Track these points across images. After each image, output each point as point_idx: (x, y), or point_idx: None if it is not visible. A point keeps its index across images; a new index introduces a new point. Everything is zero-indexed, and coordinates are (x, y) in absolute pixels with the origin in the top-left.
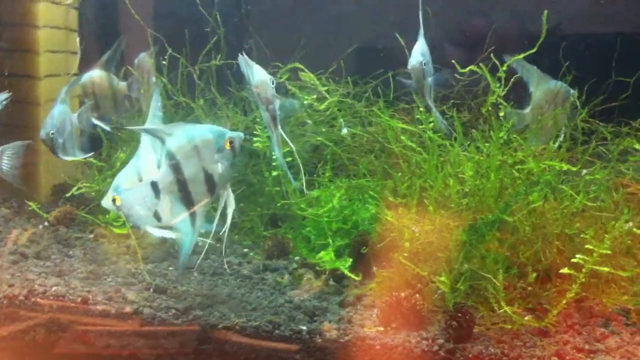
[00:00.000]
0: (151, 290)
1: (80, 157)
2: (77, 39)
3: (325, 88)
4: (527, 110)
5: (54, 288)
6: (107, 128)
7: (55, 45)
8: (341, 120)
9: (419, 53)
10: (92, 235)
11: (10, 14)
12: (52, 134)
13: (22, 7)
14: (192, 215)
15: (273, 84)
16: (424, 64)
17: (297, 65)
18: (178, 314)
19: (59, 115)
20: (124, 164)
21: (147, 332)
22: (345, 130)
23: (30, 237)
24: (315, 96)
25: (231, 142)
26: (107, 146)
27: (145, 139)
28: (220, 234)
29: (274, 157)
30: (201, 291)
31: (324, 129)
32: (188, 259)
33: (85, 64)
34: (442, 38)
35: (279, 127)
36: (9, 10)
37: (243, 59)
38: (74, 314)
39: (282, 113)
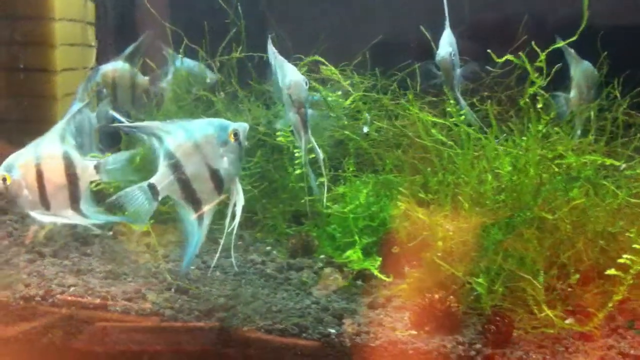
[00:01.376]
0: (172, 290)
1: (99, 154)
2: (94, 32)
3: (347, 82)
4: (572, 94)
5: (72, 288)
6: (123, 119)
7: (72, 38)
8: (367, 115)
9: (447, 44)
10: (110, 233)
11: (27, 6)
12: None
13: (38, 0)
14: (199, 217)
15: (306, 85)
16: (453, 55)
17: (319, 58)
18: (200, 315)
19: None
20: (143, 159)
21: (167, 334)
22: (365, 129)
23: (47, 234)
24: (339, 92)
25: (235, 134)
26: (126, 141)
27: (56, 128)
28: (228, 230)
29: (297, 154)
30: (224, 291)
31: (346, 122)
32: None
33: (102, 57)
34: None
35: (309, 132)
36: (25, 3)
37: (272, 50)
38: (92, 315)
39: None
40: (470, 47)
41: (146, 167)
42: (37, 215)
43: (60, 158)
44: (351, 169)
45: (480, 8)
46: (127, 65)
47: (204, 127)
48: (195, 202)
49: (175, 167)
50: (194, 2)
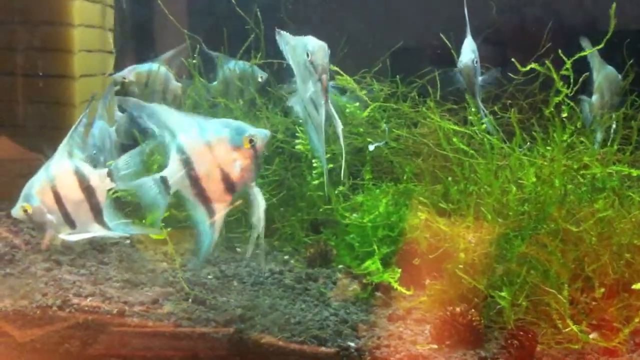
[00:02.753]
0: (190, 300)
1: None
2: (113, 38)
3: (364, 92)
4: (594, 98)
5: (89, 298)
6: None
7: (90, 45)
8: (384, 126)
9: (469, 51)
10: (128, 241)
11: (45, 12)
12: (95, 154)
13: (57, 6)
14: (211, 215)
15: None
16: (475, 62)
17: (334, 68)
18: (218, 327)
19: (99, 133)
20: (160, 166)
21: (184, 344)
22: (372, 147)
23: (64, 242)
24: (357, 103)
25: (251, 141)
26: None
27: (62, 146)
28: (252, 237)
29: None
30: (242, 302)
31: (362, 130)
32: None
33: (121, 64)
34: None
35: (329, 102)
36: (44, 8)
37: (282, 36)
38: (109, 324)
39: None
40: (493, 52)
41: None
42: (67, 237)
43: (72, 174)
44: (368, 177)
45: (503, 14)
46: (163, 69)
47: (219, 128)
48: (206, 201)
49: (186, 163)
50: (212, 8)
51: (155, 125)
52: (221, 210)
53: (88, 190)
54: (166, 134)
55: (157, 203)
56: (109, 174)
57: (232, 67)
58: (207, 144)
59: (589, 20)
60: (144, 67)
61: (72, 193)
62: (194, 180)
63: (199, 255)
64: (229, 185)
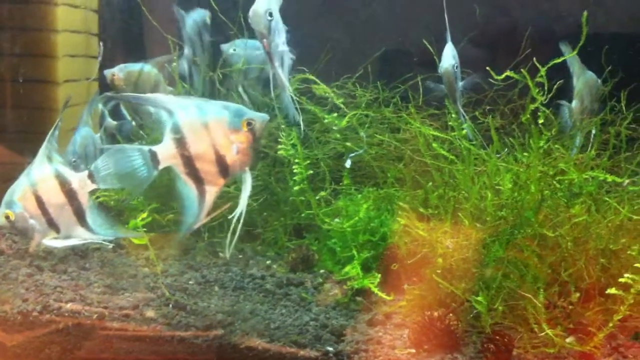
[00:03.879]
0: (170, 306)
1: None
2: (100, 43)
3: (341, 100)
4: (573, 104)
5: (70, 303)
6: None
7: (74, 50)
8: (362, 133)
9: (450, 56)
10: (110, 246)
11: (28, 18)
12: (74, 161)
13: (40, 11)
14: (201, 194)
15: (270, 16)
16: (455, 67)
17: (311, 77)
18: (198, 332)
19: (81, 140)
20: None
21: (165, 350)
22: (348, 163)
23: (46, 248)
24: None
25: (249, 124)
26: None
27: (41, 151)
28: (230, 217)
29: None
30: (222, 307)
31: (338, 135)
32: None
33: (105, 68)
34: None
35: (278, 67)
36: (27, 14)
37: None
38: (89, 330)
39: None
40: (477, 56)
41: None
42: (52, 242)
43: (53, 178)
44: (347, 182)
45: (487, 17)
46: (154, 71)
47: (218, 110)
48: (198, 182)
49: (180, 142)
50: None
51: (152, 105)
52: (213, 193)
53: (70, 193)
54: (163, 112)
55: (139, 175)
56: (90, 176)
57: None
58: (204, 124)
59: (577, 24)
60: (136, 67)
61: (54, 197)
62: (187, 160)
63: (185, 226)
64: (223, 168)
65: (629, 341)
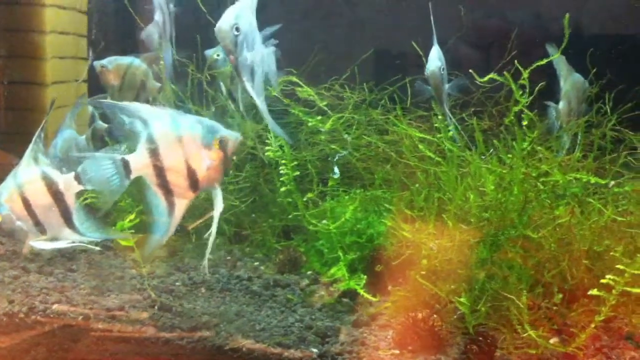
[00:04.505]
0: (156, 307)
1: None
2: (86, 45)
3: (325, 103)
4: (560, 105)
5: (55, 305)
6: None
7: (63, 51)
8: (346, 136)
9: (436, 58)
10: (97, 248)
11: (16, 19)
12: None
13: (28, 13)
14: (171, 206)
15: (237, 31)
16: (442, 69)
17: (294, 78)
18: (183, 334)
19: (62, 143)
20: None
21: (151, 351)
22: (336, 173)
23: (34, 250)
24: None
25: (221, 142)
26: None
27: (27, 153)
28: (205, 237)
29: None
30: (208, 309)
31: (323, 137)
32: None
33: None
34: (457, 40)
35: (247, 81)
36: (15, 15)
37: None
38: (75, 332)
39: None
40: (471, 58)
41: None
42: (39, 244)
43: (39, 179)
44: (331, 184)
45: (479, 18)
46: (143, 65)
47: (192, 124)
48: (168, 194)
49: (154, 153)
50: (186, 14)
51: (128, 115)
52: (182, 206)
53: (56, 195)
54: (137, 122)
55: (111, 184)
56: (76, 177)
57: None
58: (177, 138)
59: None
60: (125, 60)
61: (40, 199)
62: (159, 171)
63: (151, 243)
64: (193, 182)
65: (612, 342)
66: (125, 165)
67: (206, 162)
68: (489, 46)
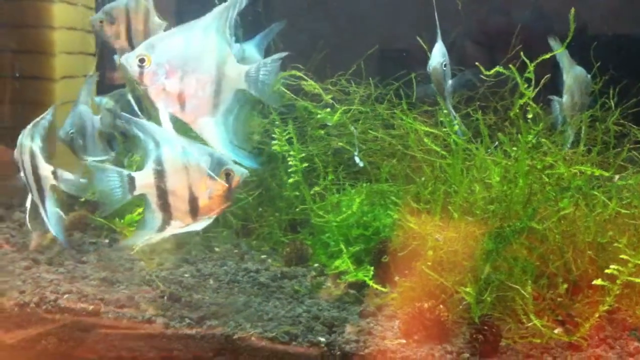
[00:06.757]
0: (165, 298)
1: (101, 157)
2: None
3: (330, 96)
4: (564, 99)
5: (66, 296)
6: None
7: (71, 47)
8: (352, 128)
9: (439, 54)
10: (107, 241)
11: (25, 15)
12: (72, 133)
13: (37, 8)
14: (166, 224)
15: (141, 62)
16: (444, 65)
17: (297, 73)
18: (192, 323)
19: (79, 115)
20: (139, 167)
21: (159, 341)
22: (359, 161)
23: (43, 243)
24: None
25: (227, 175)
26: (122, 149)
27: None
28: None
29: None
30: (216, 299)
31: (322, 132)
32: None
33: (103, 65)
34: (463, 36)
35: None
36: (24, 11)
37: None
38: (85, 322)
39: None
40: (474, 53)
41: None
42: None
43: (27, 152)
44: (330, 178)
45: (483, 13)
46: (142, 1)
47: (202, 153)
48: (166, 213)
49: (160, 174)
50: (191, 10)
51: (143, 133)
52: (176, 227)
53: (35, 174)
54: (150, 141)
55: (114, 195)
56: (53, 173)
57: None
58: (185, 164)
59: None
60: (121, 3)
61: (26, 165)
62: (162, 192)
63: (134, 239)
64: (194, 210)
65: (616, 333)
66: (131, 181)
67: (209, 192)
68: (493, 42)
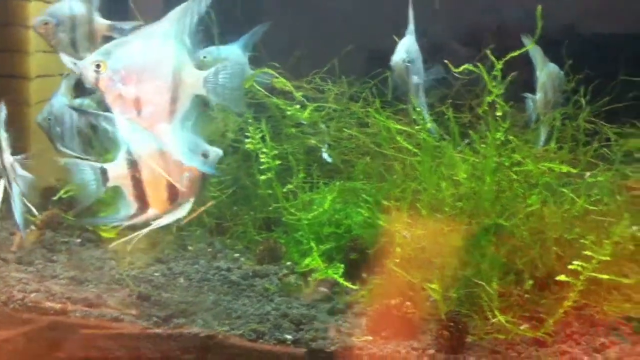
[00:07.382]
0: (134, 297)
1: (77, 153)
2: None
3: (300, 94)
4: (537, 96)
5: (33, 294)
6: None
7: (47, 45)
8: (323, 126)
9: (403, 50)
10: (79, 240)
11: (0, 13)
12: (49, 120)
13: (12, 6)
14: (142, 211)
15: (97, 68)
16: (408, 61)
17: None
18: (159, 321)
19: (58, 104)
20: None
21: (127, 340)
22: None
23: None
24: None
25: (204, 155)
26: (98, 147)
27: None
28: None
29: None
30: (186, 298)
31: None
32: None
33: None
34: (448, 36)
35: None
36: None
37: None
38: (52, 321)
39: None
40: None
41: None
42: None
43: None
44: (302, 176)
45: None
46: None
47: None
48: (142, 203)
49: (132, 164)
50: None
51: (110, 125)
52: (153, 215)
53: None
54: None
55: (89, 188)
56: (12, 165)
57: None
58: (157, 150)
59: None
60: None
61: None
62: (137, 182)
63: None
64: (171, 195)
65: (583, 329)
66: (104, 173)
67: (185, 175)
68: (472, 40)
